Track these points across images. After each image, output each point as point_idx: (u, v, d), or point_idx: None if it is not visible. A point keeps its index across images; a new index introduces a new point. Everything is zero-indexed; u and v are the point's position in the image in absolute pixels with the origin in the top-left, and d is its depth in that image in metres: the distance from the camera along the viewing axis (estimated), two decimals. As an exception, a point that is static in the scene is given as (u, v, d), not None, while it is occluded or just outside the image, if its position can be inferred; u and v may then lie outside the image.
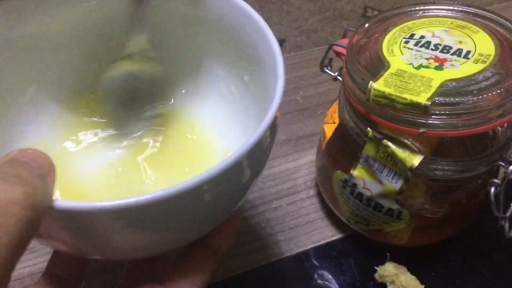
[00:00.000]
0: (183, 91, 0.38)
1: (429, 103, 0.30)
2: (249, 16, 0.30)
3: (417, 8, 0.37)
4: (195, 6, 0.33)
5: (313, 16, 0.77)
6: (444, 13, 0.37)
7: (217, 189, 0.24)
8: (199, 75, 0.37)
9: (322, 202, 0.45)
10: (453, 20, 0.36)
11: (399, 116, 0.32)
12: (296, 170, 0.47)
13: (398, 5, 0.38)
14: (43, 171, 0.20)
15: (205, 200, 0.24)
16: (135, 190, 0.34)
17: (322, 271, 0.41)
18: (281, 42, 0.73)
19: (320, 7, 0.78)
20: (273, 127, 0.26)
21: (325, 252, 0.42)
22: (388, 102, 0.31)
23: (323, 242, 0.43)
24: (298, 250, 0.42)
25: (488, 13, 0.36)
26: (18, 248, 0.18)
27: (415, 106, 0.31)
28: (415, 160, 0.33)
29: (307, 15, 0.78)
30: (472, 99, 0.30)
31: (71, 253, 0.27)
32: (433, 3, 0.37)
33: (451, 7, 0.37)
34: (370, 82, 0.32)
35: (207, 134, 0.37)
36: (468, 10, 0.36)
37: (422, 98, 0.30)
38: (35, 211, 0.18)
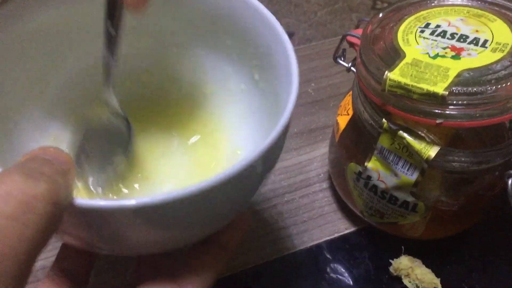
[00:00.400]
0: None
1: (447, 93, 0.30)
2: (262, 15, 0.30)
3: (432, -3, 0.37)
4: (206, 3, 0.32)
5: (322, 9, 0.77)
6: (459, 1, 0.36)
7: (232, 189, 0.24)
8: (208, 72, 0.37)
9: (335, 195, 0.44)
10: (469, 9, 0.35)
11: (415, 106, 0.31)
12: (309, 162, 0.47)
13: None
14: (64, 168, 0.20)
15: (220, 199, 0.24)
16: (145, 187, 0.34)
17: (335, 265, 0.41)
18: (290, 35, 0.72)
19: (329, 0, 0.77)
20: (286, 129, 0.26)
21: (339, 245, 0.42)
22: (404, 93, 0.31)
23: (336, 235, 0.42)
24: (311, 244, 0.42)
25: (504, 2, 0.35)
26: (40, 243, 0.18)
27: (432, 96, 0.30)
28: (432, 152, 0.32)
29: (316, 8, 0.78)
30: (491, 89, 0.30)
31: (82, 247, 0.27)
32: (449, -8, 0.37)
33: (467, -4, 0.36)
34: (386, 72, 0.31)
35: (216, 132, 0.37)
36: (485, -1, 0.36)
37: (439, 88, 0.30)
38: (57, 207, 0.19)
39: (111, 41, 0.29)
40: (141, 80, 0.38)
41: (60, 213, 0.19)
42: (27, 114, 0.33)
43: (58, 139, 0.35)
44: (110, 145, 0.33)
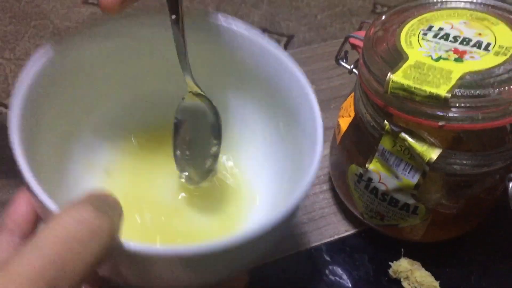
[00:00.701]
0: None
1: (449, 95, 0.30)
2: (292, 73, 0.32)
3: (435, 0, 0.37)
4: (236, 54, 0.34)
5: (322, 12, 0.77)
6: (462, 5, 0.36)
7: (264, 242, 0.26)
8: (236, 117, 0.38)
9: (336, 196, 0.44)
10: (472, 12, 0.35)
11: (418, 109, 0.31)
12: (309, 164, 0.47)
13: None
14: (119, 211, 0.23)
15: (251, 250, 0.26)
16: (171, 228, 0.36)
17: (334, 267, 0.41)
18: (289, 38, 0.72)
19: (329, 3, 0.77)
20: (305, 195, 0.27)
21: (338, 247, 0.42)
22: (407, 95, 0.31)
23: (336, 237, 0.42)
24: (311, 245, 0.42)
25: (507, 5, 0.35)
26: (91, 270, 0.20)
27: (434, 99, 0.30)
28: (433, 154, 0.32)
29: (316, 11, 0.78)
30: (493, 92, 0.30)
31: (104, 275, 0.27)
32: (452, -5, 0.37)
33: (469, -1, 0.36)
34: (389, 74, 0.31)
35: (237, 176, 0.38)
36: (487, 2, 0.36)
37: (442, 90, 0.30)
38: (112, 242, 0.21)
39: (177, 28, 0.31)
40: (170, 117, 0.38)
41: (112, 248, 0.21)
42: (79, 144, 0.35)
43: (110, 173, 0.37)
44: (201, 132, 0.35)
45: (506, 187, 0.34)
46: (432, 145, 0.32)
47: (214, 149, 0.35)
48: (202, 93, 0.34)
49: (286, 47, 0.75)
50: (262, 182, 0.37)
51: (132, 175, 0.37)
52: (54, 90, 0.31)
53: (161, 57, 0.34)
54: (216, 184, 0.38)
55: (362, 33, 0.37)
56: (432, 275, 0.39)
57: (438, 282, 0.38)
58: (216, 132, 0.34)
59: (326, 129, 0.49)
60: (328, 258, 0.41)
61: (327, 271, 0.40)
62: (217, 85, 0.36)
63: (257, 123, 0.37)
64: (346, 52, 0.39)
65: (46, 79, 0.29)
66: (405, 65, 0.32)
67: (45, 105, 0.30)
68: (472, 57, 0.32)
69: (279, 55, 0.32)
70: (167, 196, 0.37)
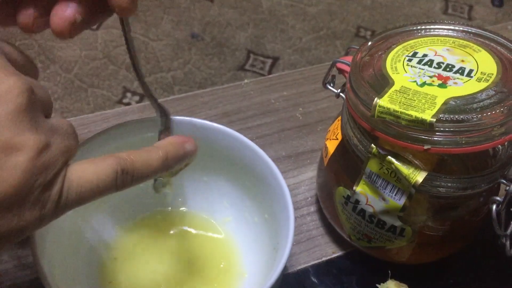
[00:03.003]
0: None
1: (434, 120, 0.30)
2: (277, 180, 0.37)
3: (419, 27, 0.38)
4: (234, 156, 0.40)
5: (307, 35, 0.78)
6: (445, 32, 0.37)
7: None
8: (229, 203, 0.43)
9: (323, 218, 0.44)
10: (454, 39, 0.37)
11: (404, 132, 0.32)
12: (296, 186, 0.47)
13: (390, 25, 0.39)
14: None
15: None
16: None
17: (322, 289, 0.41)
18: (275, 60, 0.73)
19: (314, 26, 0.79)
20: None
21: (325, 269, 0.42)
22: (393, 119, 0.32)
23: (323, 259, 0.42)
24: (298, 268, 0.42)
25: (488, 33, 0.36)
26: None
27: (420, 123, 0.31)
28: (419, 177, 0.33)
29: (301, 34, 0.79)
30: (476, 117, 0.31)
31: None
32: (435, 23, 0.38)
33: (452, 27, 0.38)
34: (375, 98, 0.32)
35: (228, 255, 0.41)
36: (469, 30, 0.37)
37: (427, 115, 0.31)
38: None
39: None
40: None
41: None
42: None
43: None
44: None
45: (490, 209, 0.34)
46: (418, 168, 0.33)
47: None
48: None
49: (271, 69, 0.76)
50: (251, 259, 0.40)
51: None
52: None
53: None
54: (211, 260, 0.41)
55: (348, 58, 0.38)
56: (419, 296, 0.39)
57: (425, 303, 0.39)
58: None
59: (313, 151, 0.50)
60: (315, 280, 0.41)
61: (314, 293, 0.41)
62: (215, 175, 0.42)
63: (249, 208, 0.41)
64: (333, 77, 0.40)
65: None
66: (391, 90, 0.33)
67: None
68: (455, 83, 0.33)
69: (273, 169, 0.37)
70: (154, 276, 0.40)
